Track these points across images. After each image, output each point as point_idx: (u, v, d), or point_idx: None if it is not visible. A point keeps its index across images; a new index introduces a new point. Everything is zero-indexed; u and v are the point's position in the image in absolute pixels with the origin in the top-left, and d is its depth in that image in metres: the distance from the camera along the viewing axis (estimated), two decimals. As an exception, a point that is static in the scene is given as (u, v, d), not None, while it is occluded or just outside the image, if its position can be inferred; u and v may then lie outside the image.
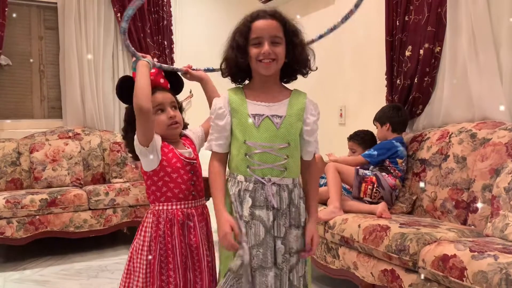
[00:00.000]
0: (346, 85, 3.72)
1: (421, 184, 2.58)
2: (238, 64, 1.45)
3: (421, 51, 2.81)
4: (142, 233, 1.60)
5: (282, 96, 1.47)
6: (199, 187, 1.65)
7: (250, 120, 1.42)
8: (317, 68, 1.50)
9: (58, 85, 4.11)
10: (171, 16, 4.37)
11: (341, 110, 3.76)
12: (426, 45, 2.78)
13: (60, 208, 3.22)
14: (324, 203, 2.62)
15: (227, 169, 1.50)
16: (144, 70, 1.52)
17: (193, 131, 1.76)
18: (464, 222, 2.28)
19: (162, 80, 1.66)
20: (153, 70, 1.63)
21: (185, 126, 1.75)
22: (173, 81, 1.71)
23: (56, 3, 4.02)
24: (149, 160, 1.56)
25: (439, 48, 2.77)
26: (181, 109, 1.71)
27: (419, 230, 2.00)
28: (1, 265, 3.19)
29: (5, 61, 3.90)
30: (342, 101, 3.76)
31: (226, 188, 1.47)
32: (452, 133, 2.51)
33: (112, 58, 4.19)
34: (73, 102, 4.03)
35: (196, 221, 1.60)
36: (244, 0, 4.33)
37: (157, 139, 1.58)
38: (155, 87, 1.61)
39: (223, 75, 1.51)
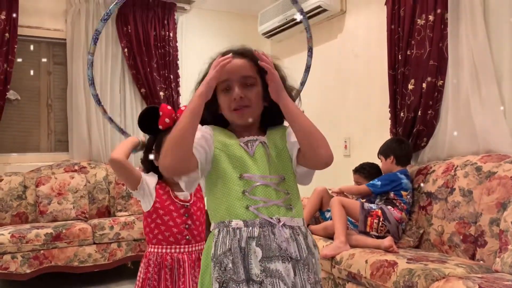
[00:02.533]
0: (350, 117, 3.75)
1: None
2: (210, 116, 1.22)
3: (424, 85, 2.84)
4: (138, 273, 1.61)
5: (260, 131, 1.26)
6: (195, 232, 1.62)
7: (243, 149, 1.17)
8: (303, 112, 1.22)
9: (65, 119, 4.16)
10: (177, 51, 4.45)
11: (345, 141, 3.78)
12: (429, 79, 2.81)
13: (65, 242, 3.21)
14: (330, 237, 2.60)
15: (207, 223, 1.28)
16: (128, 143, 1.60)
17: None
18: (472, 257, 2.25)
19: None
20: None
21: None
22: None
23: (65, 39, 4.12)
24: (143, 201, 1.58)
25: (442, 81, 2.80)
26: None
27: (427, 266, 1.97)
28: (4, 301, 3.16)
29: (14, 95, 3.97)
30: (347, 133, 3.77)
31: (206, 249, 1.16)
32: (457, 166, 2.51)
33: (120, 93, 4.26)
34: (80, 136, 4.07)
35: (187, 267, 1.57)
36: (248, 36, 4.42)
37: (150, 182, 1.58)
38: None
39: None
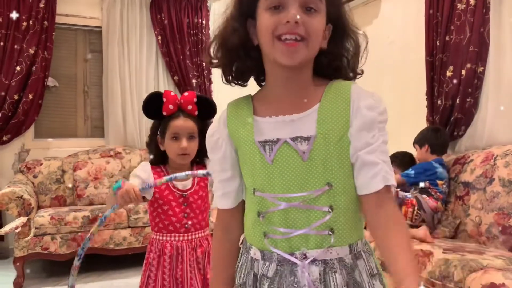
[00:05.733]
0: (385, 105, 3.68)
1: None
2: (239, 45, 0.86)
3: (463, 72, 2.75)
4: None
5: (313, 99, 0.85)
6: (195, 220, 1.61)
7: (258, 152, 0.84)
8: (362, 72, 0.92)
9: (101, 106, 4.25)
10: (209, 38, 4.46)
11: (379, 130, 3.71)
12: (468, 65, 2.72)
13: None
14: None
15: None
16: (111, 198, 1.48)
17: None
18: (512, 249, 2.19)
19: (190, 107, 1.61)
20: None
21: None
22: (203, 107, 1.65)
23: (100, 27, 4.19)
24: (146, 195, 1.57)
25: (482, 68, 2.71)
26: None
27: (464, 256, 1.93)
28: (45, 280, 3.29)
29: (52, 82, 4.08)
30: (380, 122, 3.71)
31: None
32: (497, 156, 2.43)
33: (153, 80, 4.32)
34: (115, 122, 4.15)
35: (186, 254, 1.58)
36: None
37: (144, 177, 1.56)
38: (180, 112, 1.59)
39: (211, 64, 0.92)
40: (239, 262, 0.92)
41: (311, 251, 0.80)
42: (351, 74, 0.90)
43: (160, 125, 1.62)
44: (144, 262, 1.64)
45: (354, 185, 0.83)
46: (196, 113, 1.63)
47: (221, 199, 0.92)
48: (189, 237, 1.60)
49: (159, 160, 1.64)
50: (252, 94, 0.92)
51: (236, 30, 0.85)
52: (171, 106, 1.58)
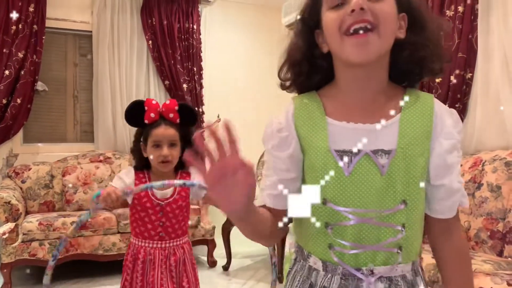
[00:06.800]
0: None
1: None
2: (306, 58, 0.83)
3: (452, 78, 2.78)
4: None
5: (391, 107, 0.79)
6: (170, 229, 1.63)
7: (334, 162, 0.78)
8: (449, 61, 0.85)
9: (91, 110, 4.23)
10: (200, 43, 4.46)
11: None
12: (457, 71, 2.75)
13: (90, 231, 3.27)
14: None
15: (288, 238, 0.93)
16: (91, 203, 1.56)
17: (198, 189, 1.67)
18: (500, 253, 2.20)
19: (171, 115, 1.64)
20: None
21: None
22: (185, 115, 1.68)
23: (91, 31, 4.17)
24: (128, 199, 1.62)
25: (471, 74, 2.74)
26: (189, 143, 1.66)
27: (453, 261, 1.94)
28: (32, 286, 3.25)
29: (42, 87, 4.05)
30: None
31: (288, 273, 0.90)
32: (485, 161, 2.46)
33: (144, 85, 4.30)
34: (105, 127, 4.13)
35: (158, 262, 1.60)
36: (272, 28, 4.40)
37: (127, 178, 1.61)
38: (162, 120, 1.63)
39: (283, 87, 0.90)
40: (291, 268, 0.88)
41: (378, 268, 0.78)
42: (437, 66, 0.83)
43: (143, 132, 1.65)
44: (123, 264, 1.68)
45: (424, 203, 0.82)
46: (178, 120, 1.66)
47: (276, 198, 0.83)
48: (163, 245, 1.62)
49: (143, 166, 1.67)
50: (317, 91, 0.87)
51: (303, 44, 0.83)
52: (152, 115, 1.62)
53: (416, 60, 0.81)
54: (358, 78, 0.79)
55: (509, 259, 2.11)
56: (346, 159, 0.77)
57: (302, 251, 0.85)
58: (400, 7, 0.79)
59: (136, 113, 1.64)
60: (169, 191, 1.64)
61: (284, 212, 0.80)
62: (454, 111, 0.83)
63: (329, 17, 0.78)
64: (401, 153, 0.77)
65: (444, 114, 0.80)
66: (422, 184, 0.78)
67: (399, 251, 0.78)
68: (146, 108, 1.62)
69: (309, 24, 0.83)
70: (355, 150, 0.77)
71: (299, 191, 0.79)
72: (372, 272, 0.78)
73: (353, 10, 0.73)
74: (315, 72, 0.85)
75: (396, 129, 0.78)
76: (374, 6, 0.74)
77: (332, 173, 0.78)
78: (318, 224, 0.79)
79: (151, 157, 1.61)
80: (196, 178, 1.69)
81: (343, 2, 0.76)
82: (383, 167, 0.76)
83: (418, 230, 0.81)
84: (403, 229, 0.77)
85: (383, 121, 0.77)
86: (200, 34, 4.47)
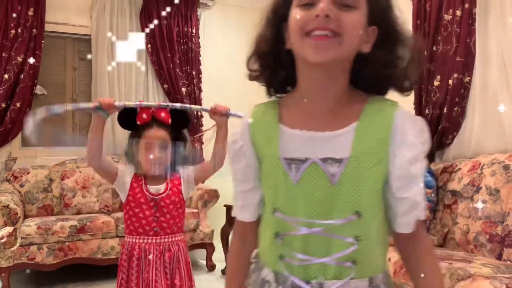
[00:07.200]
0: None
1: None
2: (272, 51, 0.81)
3: (450, 81, 2.79)
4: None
5: (349, 115, 0.77)
6: (164, 224, 1.64)
7: (282, 170, 0.77)
8: (416, 83, 0.82)
9: (90, 114, 4.19)
10: (199, 47, 4.47)
11: (368, 139, 3.74)
12: (455, 75, 2.76)
13: (89, 234, 3.26)
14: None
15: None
16: (95, 125, 1.57)
17: (186, 171, 1.72)
18: (499, 257, 2.20)
19: (163, 114, 1.65)
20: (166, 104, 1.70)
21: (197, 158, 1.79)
22: (177, 116, 1.68)
23: (90, 35, 4.18)
24: (120, 194, 1.66)
25: (469, 78, 2.75)
26: (185, 143, 1.69)
27: (452, 265, 1.94)
28: (30, 291, 3.24)
29: (41, 90, 4.05)
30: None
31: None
32: (484, 164, 2.46)
33: (143, 89, 4.30)
34: (104, 130, 4.12)
35: (153, 257, 1.61)
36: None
37: (126, 176, 1.65)
38: (154, 121, 1.64)
39: (250, 78, 0.88)
40: (249, 280, 0.86)
41: (328, 282, 0.74)
42: (405, 85, 0.80)
43: (135, 134, 1.67)
44: (118, 264, 1.68)
45: (385, 216, 0.78)
46: (170, 121, 1.67)
47: (240, 210, 0.87)
48: (158, 241, 1.63)
49: (138, 168, 1.68)
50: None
51: (271, 37, 0.80)
52: (144, 116, 1.63)
53: (381, 77, 0.78)
54: (317, 78, 0.77)
55: (508, 262, 2.11)
56: (294, 167, 0.76)
57: (259, 261, 0.84)
58: (372, 19, 0.76)
59: (128, 115, 1.65)
60: (162, 187, 1.66)
61: (256, 223, 0.85)
62: (420, 119, 0.79)
63: (295, 15, 0.75)
64: (354, 162, 0.73)
65: (406, 123, 0.76)
66: (379, 195, 0.76)
67: (352, 265, 0.74)
68: (138, 109, 1.64)
69: (278, 16, 0.80)
70: (302, 158, 0.75)
71: (261, 201, 0.83)
72: (321, 286, 0.75)
73: (317, 15, 0.71)
74: (280, 68, 0.82)
75: (351, 137, 0.75)
76: (341, 15, 0.72)
77: (281, 181, 0.76)
78: (269, 233, 0.79)
79: (142, 158, 1.63)
80: (185, 174, 1.71)
81: (312, 2, 0.73)
82: (333, 175, 0.74)
83: (375, 244, 0.77)
84: (355, 242, 0.74)
85: (338, 130, 0.75)
86: (199, 38, 4.48)
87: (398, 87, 0.80)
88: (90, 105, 1.56)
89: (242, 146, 0.83)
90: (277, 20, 0.80)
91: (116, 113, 1.65)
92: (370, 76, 0.78)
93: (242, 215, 0.87)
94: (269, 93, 0.86)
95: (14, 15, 3.68)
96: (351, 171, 0.73)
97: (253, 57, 0.84)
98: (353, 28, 0.72)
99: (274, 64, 0.81)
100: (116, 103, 1.54)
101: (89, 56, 4.14)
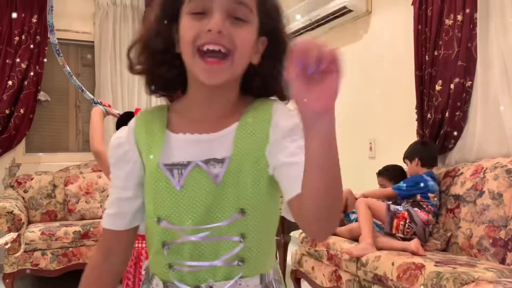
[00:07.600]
0: (375, 119, 3.72)
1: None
2: (158, 48, 0.77)
3: (452, 86, 2.79)
4: None
5: (233, 116, 0.78)
6: None
7: (163, 177, 0.75)
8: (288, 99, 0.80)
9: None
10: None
11: (370, 143, 3.74)
12: (457, 80, 2.76)
13: (93, 240, 3.27)
14: (356, 239, 2.58)
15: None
16: (95, 117, 1.62)
17: None
18: (503, 261, 2.20)
19: None
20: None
21: None
22: None
23: (93, 41, 4.21)
24: None
25: (470, 82, 2.75)
26: None
27: (456, 269, 1.94)
28: (34, 296, 3.24)
29: (44, 97, 4.07)
30: (372, 134, 3.74)
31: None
32: (486, 169, 2.46)
33: (146, 94, 4.32)
34: (107, 136, 4.14)
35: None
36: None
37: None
38: None
39: (132, 71, 0.82)
40: None
41: (218, 283, 0.74)
42: (282, 95, 0.81)
43: None
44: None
45: (270, 210, 0.77)
46: None
47: (113, 218, 0.81)
48: None
49: None
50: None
51: (160, 33, 0.76)
52: None
53: (268, 86, 0.80)
54: (206, 91, 0.77)
55: (512, 266, 2.11)
56: (176, 172, 0.74)
57: (148, 272, 0.82)
58: (262, 30, 0.76)
59: (126, 123, 1.67)
60: None
61: (127, 232, 0.81)
62: (285, 105, 0.79)
63: (186, 24, 0.73)
64: (235, 161, 0.73)
65: (280, 112, 0.76)
66: (263, 190, 0.74)
67: (240, 263, 0.74)
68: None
69: (167, 15, 0.76)
70: (185, 162, 0.74)
71: (140, 210, 0.80)
72: None
73: (210, 30, 0.71)
74: (169, 68, 0.78)
75: (232, 137, 0.74)
76: (233, 32, 0.71)
77: (163, 189, 0.74)
78: (156, 244, 0.76)
79: None
80: None
81: (203, 12, 0.72)
82: (216, 176, 0.73)
83: (263, 240, 0.76)
84: (241, 240, 0.73)
85: (220, 131, 0.75)
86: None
87: (282, 96, 0.81)
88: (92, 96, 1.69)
89: (128, 151, 0.80)
90: (167, 18, 0.77)
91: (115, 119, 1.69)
92: (259, 86, 0.80)
93: (114, 222, 0.81)
94: (150, 91, 0.82)
95: (18, 22, 3.71)
96: (234, 169, 0.73)
97: (138, 47, 0.79)
98: (244, 45, 0.73)
99: (163, 63, 0.78)
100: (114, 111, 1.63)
101: (91, 67, 4.16)
